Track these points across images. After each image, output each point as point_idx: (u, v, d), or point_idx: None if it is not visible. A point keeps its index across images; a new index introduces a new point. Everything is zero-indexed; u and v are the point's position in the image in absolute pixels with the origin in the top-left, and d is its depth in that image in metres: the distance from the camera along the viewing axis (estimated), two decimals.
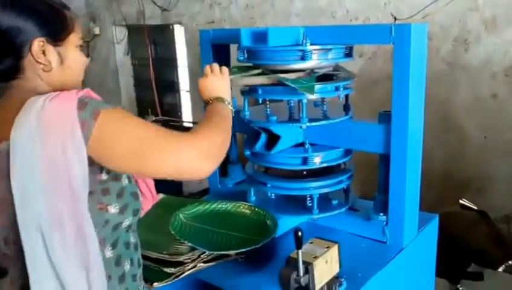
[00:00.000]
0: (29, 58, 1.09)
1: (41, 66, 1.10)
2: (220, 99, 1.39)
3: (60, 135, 0.99)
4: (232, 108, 1.40)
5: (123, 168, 1.07)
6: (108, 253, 1.11)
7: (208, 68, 1.47)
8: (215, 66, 1.48)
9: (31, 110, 1.01)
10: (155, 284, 1.37)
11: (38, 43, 1.08)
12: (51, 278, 1.01)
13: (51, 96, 1.02)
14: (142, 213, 1.18)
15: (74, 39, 1.16)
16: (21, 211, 0.99)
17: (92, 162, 1.03)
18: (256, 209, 1.72)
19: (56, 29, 1.11)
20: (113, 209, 1.07)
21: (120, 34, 5.86)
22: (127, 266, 1.16)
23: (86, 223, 1.01)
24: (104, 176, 1.06)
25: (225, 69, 1.48)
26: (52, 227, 1.00)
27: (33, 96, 1.05)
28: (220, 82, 1.44)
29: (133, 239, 1.19)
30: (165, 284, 1.38)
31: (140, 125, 1.07)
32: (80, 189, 1.00)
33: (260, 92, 1.62)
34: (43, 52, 1.09)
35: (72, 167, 0.99)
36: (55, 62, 1.12)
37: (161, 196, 1.83)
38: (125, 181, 1.11)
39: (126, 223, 1.12)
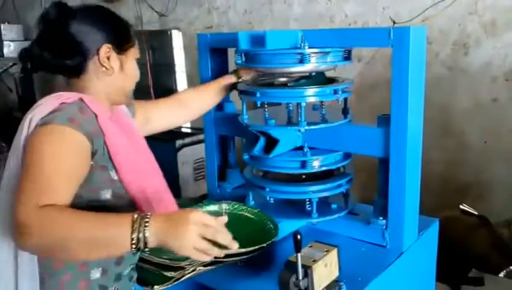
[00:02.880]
0: (95, 61, 1.23)
1: (104, 69, 1.24)
2: (144, 226, 0.97)
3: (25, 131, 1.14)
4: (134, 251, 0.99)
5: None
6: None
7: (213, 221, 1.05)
8: (225, 235, 1.06)
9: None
10: (155, 287, 1.36)
11: (105, 49, 1.23)
12: None
13: (52, 96, 1.19)
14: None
15: (134, 52, 1.33)
16: None
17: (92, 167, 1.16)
18: (257, 211, 1.70)
19: (122, 39, 1.28)
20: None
21: None
22: (95, 274, 1.21)
23: None
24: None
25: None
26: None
27: (81, 92, 1.23)
28: (189, 238, 0.99)
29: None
30: (165, 287, 1.36)
31: (51, 161, 1.05)
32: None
33: (258, 95, 1.61)
34: (108, 58, 1.24)
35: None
36: (117, 68, 1.26)
37: None
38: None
39: None
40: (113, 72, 1.26)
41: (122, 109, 1.41)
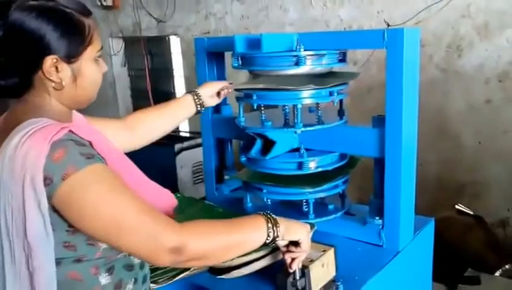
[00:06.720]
0: (40, 75, 1.01)
1: (53, 84, 1.02)
2: (276, 226, 1.17)
3: (21, 184, 0.92)
4: (270, 242, 1.17)
5: (92, 236, 1.00)
6: (104, 280, 1.07)
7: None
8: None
9: (8, 146, 0.94)
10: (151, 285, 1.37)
11: (51, 61, 0.99)
12: None
13: (29, 134, 0.94)
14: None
15: (91, 52, 1.06)
16: None
17: None
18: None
19: (72, 45, 1.01)
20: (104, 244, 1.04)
21: (117, 45, 5.88)
22: (129, 286, 1.13)
23: (39, 277, 0.96)
24: None
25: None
26: (9, 270, 0.97)
27: (38, 114, 1.00)
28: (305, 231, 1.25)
29: (136, 260, 1.15)
30: (159, 286, 1.37)
31: (119, 198, 0.97)
32: (36, 243, 0.94)
33: (255, 97, 1.63)
34: (56, 69, 1.00)
35: (30, 220, 0.93)
36: (68, 80, 1.03)
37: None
38: None
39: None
40: (63, 86, 1.03)
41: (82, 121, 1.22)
